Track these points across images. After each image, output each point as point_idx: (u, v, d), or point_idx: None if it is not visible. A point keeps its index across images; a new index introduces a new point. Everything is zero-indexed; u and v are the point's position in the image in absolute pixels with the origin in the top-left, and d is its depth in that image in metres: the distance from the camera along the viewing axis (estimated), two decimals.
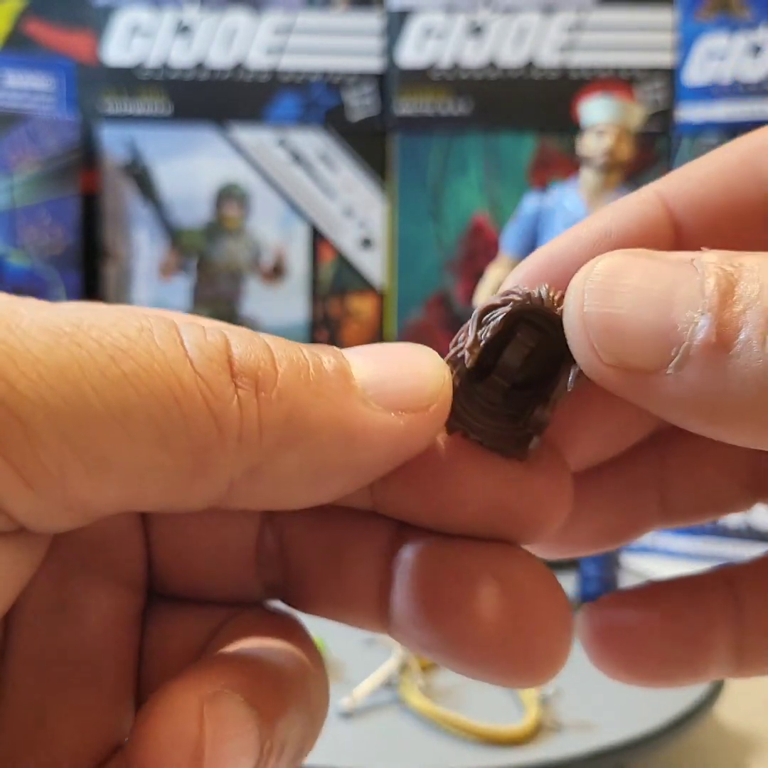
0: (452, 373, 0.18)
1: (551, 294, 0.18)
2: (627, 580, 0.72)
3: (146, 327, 0.15)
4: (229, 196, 1.02)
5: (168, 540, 0.22)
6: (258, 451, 0.15)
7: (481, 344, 0.18)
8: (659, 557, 1.05)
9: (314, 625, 0.65)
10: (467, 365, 0.18)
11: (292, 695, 0.19)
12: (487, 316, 0.18)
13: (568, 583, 0.71)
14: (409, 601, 0.19)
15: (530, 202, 0.71)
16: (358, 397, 0.16)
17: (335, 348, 0.17)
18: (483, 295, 0.73)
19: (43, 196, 0.96)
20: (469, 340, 0.18)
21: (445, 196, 1.02)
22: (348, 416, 0.16)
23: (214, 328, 0.16)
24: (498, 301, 0.18)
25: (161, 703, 0.16)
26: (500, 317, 0.18)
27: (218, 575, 0.22)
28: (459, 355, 0.18)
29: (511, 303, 0.18)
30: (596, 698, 0.58)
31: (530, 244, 0.71)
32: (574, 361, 0.18)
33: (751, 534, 1.01)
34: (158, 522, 0.22)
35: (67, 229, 0.97)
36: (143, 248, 1.02)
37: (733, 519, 1.01)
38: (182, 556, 0.22)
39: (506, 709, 0.56)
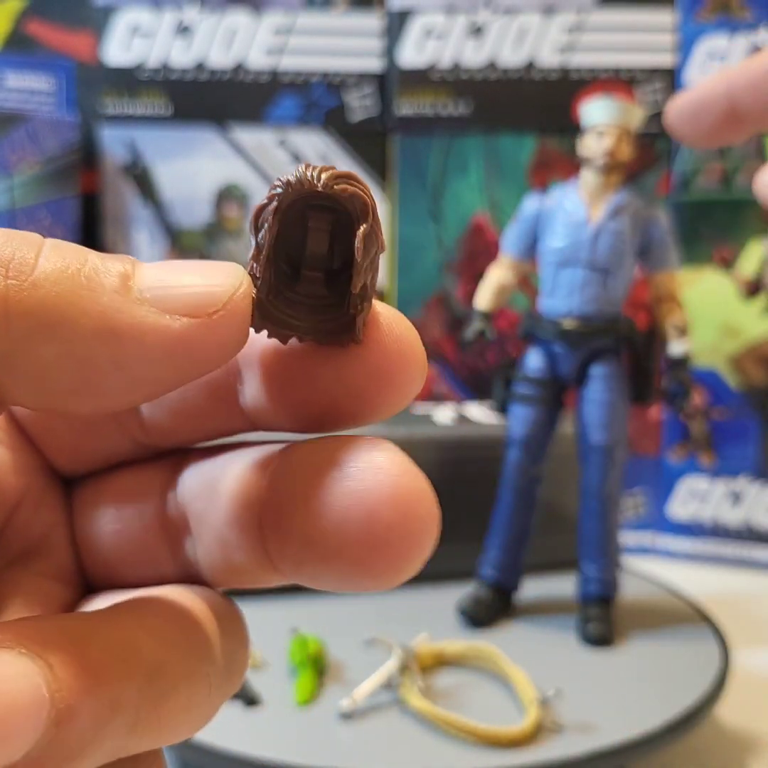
0: (257, 284, 0.17)
1: (310, 172, 0.17)
2: (628, 582, 0.73)
3: None
4: (229, 196, 1.02)
5: (83, 527, 0.22)
6: (6, 337, 0.15)
7: (264, 251, 0.17)
8: (661, 558, 1.05)
9: (317, 628, 0.65)
10: (259, 275, 0.17)
11: (119, 657, 0.17)
12: (260, 219, 0.18)
13: (568, 583, 0.72)
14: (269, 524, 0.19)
15: (530, 203, 0.71)
16: (131, 298, 0.16)
17: (132, 258, 0.17)
18: (483, 296, 0.73)
19: (44, 197, 0.96)
20: (252, 250, 0.18)
21: (446, 196, 1.02)
22: (114, 312, 0.16)
23: None
24: (264, 200, 0.18)
25: None
26: (270, 216, 0.17)
27: (137, 559, 0.21)
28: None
29: (275, 198, 0.17)
30: (596, 700, 0.59)
31: (530, 244, 0.71)
32: (357, 228, 0.17)
33: (751, 534, 1.01)
34: (77, 510, 0.22)
35: (67, 230, 0.97)
36: (143, 248, 1.02)
37: (733, 519, 1.02)
38: (98, 543, 0.22)
39: (506, 711, 0.57)
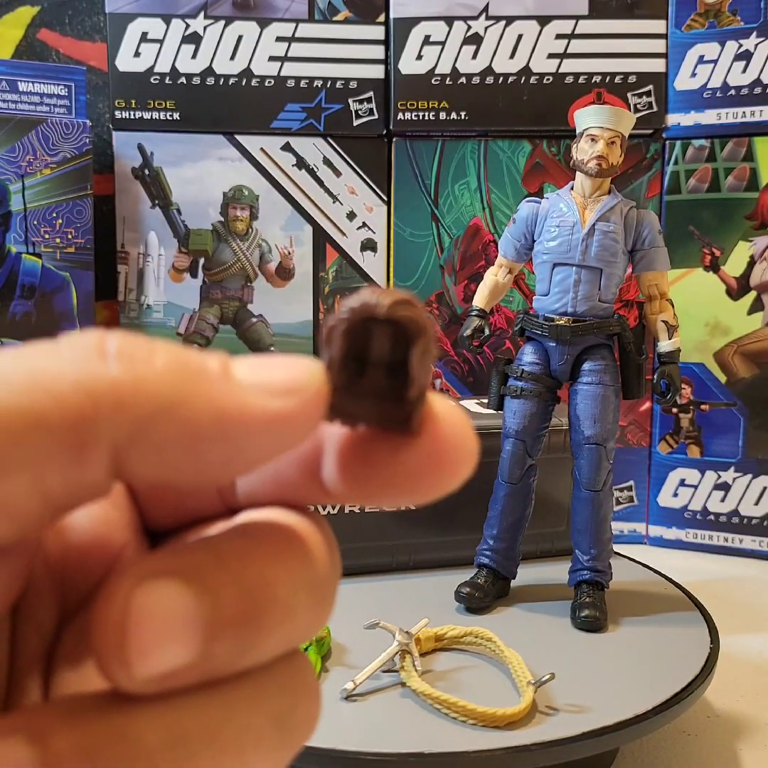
0: (330, 378, 0.20)
1: (373, 299, 0.20)
2: (620, 569, 0.74)
3: (30, 350, 0.18)
4: (236, 199, 1.03)
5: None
6: (136, 416, 0.17)
7: (335, 364, 0.20)
8: (651, 546, 1.06)
9: None
10: (332, 384, 0.20)
11: (251, 561, 0.20)
12: (331, 336, 0.20)
13: (562, 571, 0.73)
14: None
15: (526, 206, 0.72)
16: (234, 382, 0.18)
17: (224, 353, 0.19)
18: (480, 295, 0.74)
19: (57, 199, 0.97)
20: (326, 359, 0.20)
21: (444, 199, 1.03)
22: (221, 393, 0.18)
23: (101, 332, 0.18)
24: (333, 322, 0.20)
25: (98, 599, 0.18)
26: (339, 337, 0.20)
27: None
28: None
29: (343, 322, 0.20)
30: (589, 682, 0.59)
31: (526, 246, 0.72)
32: (413, 345, 0.20)
33: (738, 524, 1.02)
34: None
35: (79, 231, 0.98)
36: (154, 250, 1.03)
37: (721, 509, 1.03)
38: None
39: (502, 693, 0.58)
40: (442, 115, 1.01)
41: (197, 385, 0.18)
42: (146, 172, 1.02)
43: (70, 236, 0.97)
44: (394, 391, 0.21)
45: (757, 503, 1.01)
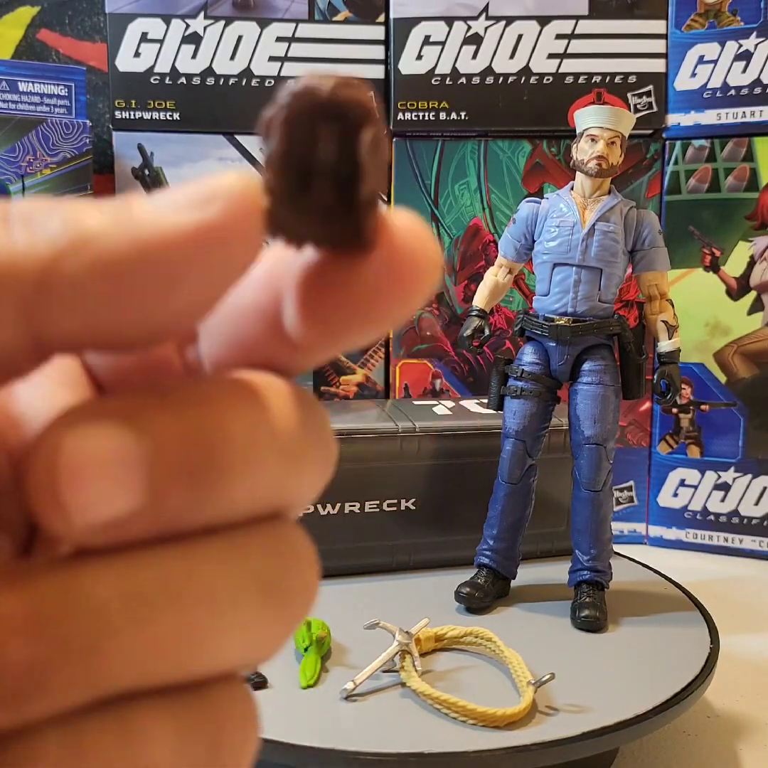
0: (270, 194, 0.17)
1: (315, 82, 0.17)
2: (620, 569, 0.74)
3: None
4: None
5: None
6: (35, 261, 0.16)
7: (274, 161, 0.17)
8: (651, 546, 1.06)
9: (322, 613, 0.65)
10: (271, 185, 0.17)
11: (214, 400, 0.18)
12: (269, 130, 0.17)
13: (562, 571, 0.73)
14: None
15: (526, 206, 0.72)
16: (149, 206, 0.17)
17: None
18: (480, 295, 0.74)
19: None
20: (264, 159, 0.17)
21: (444, 199, 1.03)
22: (137, 218, 0.16)
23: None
24: (273, 111, 0.17)
25: (32, 448, 0.17)
26: (279, 127, 0.17)
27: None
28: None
29: (283, 109, 0.17)
30: (589, 683, 0.60)
31: (526, 247, 0.72)
32: (362, 133, 0.17)
33: (738, 524, 1.02)
34: None
35: None
36: None
37: (721, 509, 1.03)
38: None
39: (502, 693, 0.58)
40: (442, 115, 1.01)
41: (103, 218, 0.16)
42: (146, 172, 1.02)
43: None
44: (344, 206, 0.18)
45: (757, 503, 1.01)
